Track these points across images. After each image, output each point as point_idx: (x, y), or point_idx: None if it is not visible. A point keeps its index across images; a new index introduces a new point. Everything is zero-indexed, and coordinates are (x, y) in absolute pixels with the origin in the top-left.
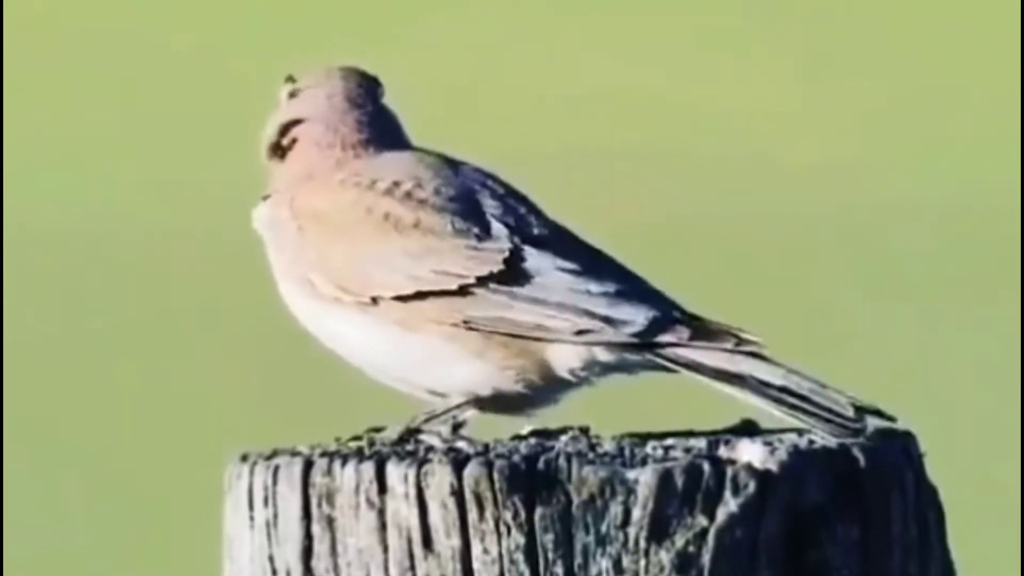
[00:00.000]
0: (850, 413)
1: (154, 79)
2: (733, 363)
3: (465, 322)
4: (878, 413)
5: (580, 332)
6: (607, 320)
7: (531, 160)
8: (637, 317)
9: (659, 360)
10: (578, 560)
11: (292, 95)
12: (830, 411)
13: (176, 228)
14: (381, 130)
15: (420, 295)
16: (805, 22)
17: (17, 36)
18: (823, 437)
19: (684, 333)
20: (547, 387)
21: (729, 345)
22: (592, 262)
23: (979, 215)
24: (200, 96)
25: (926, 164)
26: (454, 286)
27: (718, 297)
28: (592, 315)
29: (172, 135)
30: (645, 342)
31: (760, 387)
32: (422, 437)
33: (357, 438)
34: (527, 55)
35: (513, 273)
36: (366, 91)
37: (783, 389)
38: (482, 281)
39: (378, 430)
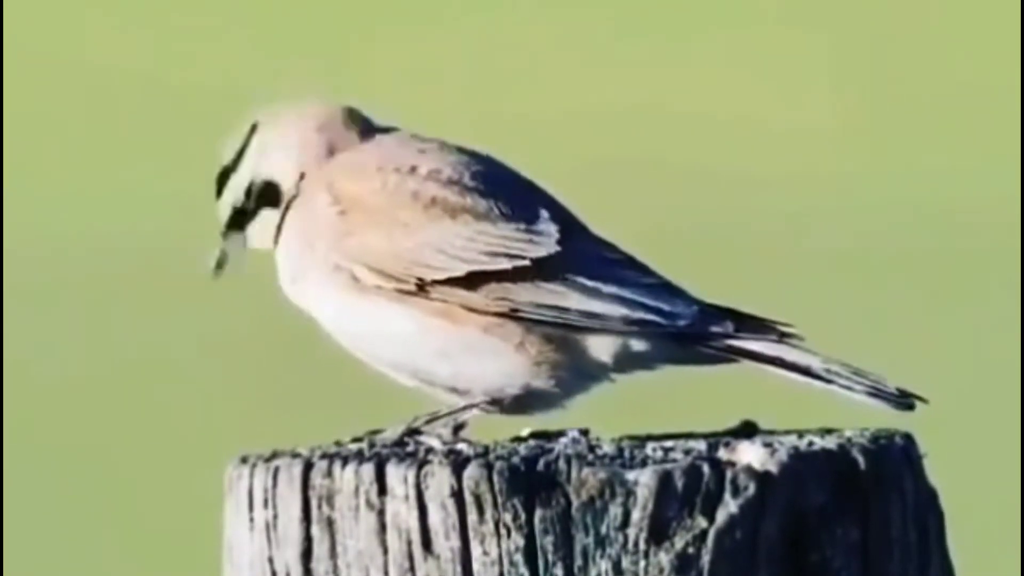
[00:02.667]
0: (894, 391)
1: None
2: (779, 351)
3: (513, 310)
4: (915, 397)
5: (634, 322)
6: (659, 312)
7: (555, 171)
8: (686, 309)
9: (709, 351)
10: (578, 562)
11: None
12: (878, 388)
13: (172, 230)
14: (387, 128)
15: (471, 277)
16: (827, 37)
17: (16, 56)
18: (877, 406)
19: (730, 326)
20: (577, 383)
21: (773, 336)
22: (628, 254)
23: (980, 215)
24: (195, 106)
25: (925, 167)
26: (508, 267)
27: (728, 299)
28: (646, 307)
29: (160, 148)
30: (697, 333)
31: (807, 370)
32: (422, 438)
33: (358, 439)
34: (552, 68)
35: (566, 258)
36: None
37: (829, 371)
38: (536, 265)
39: (378, 432)
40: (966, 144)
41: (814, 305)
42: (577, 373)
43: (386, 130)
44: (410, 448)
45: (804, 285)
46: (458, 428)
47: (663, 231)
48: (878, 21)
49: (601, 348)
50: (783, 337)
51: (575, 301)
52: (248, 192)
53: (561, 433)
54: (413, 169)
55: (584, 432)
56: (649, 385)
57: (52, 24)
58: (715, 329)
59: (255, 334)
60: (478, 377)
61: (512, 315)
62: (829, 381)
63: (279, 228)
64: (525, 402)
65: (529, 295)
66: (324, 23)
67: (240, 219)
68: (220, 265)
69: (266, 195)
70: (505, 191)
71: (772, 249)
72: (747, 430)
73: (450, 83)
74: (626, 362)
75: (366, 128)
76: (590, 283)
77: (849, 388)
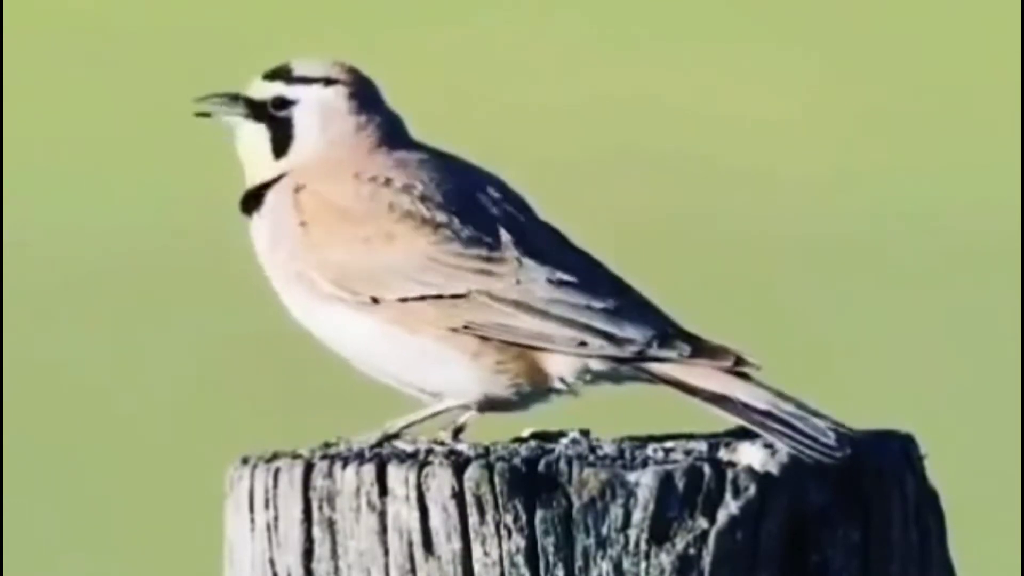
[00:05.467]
0: (831, 441)
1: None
2: (721, 384)
3: (465, 327)
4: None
5: (581, 344)
6: (609, 337)
7: (540, 164)
8: (638, 335)
9: (651, 378)
10: (579, 563)
11: (294, 80)
12: (812, 438)
13: (174, 231)
14: (392, 129)
15: (423, 298)
16: (816, 32)
17: (19, 40)
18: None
19: (685, 350)
20: (537, 393)
21: (726, 364)
22: (589, 273)
23: (980, 218)
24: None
25: (925, 170)
26: (462, 291)
27: (724, 302)
28: (594, 331)
29: (163, 142)
30: (643, 357)
31: (745, 410)
32: (397, 443)
33: (328, 444)
34: (538, 61)
35: (518, 283)
36: (377, 90)
37: (767, 414)
38: (490, 289)
39: (336, 444)
40: (964, 143)
41: (811, 305)
42: (535, 384)
43: (402, 142)
44: (410, 449)
45: (800, 283)
46: (459, 430)
47: (657, 219)
48: (872, 20)
49: (556, 364)
50: (739, 363)
51: (525, 322)
52: (270, 103)
53: (562, 434)
54: (387, 182)
55: (585, 433)
56: (648, 385)
57: (52, 23)
58: (663, 354)
59: (256, 334)
60: (443, 382)
61: (464, 330)
62: (762, 426)
63: (258, 209)
64: (497, 404)
65: (481, 315)
66: (323, 23)
67: (257, 111)
68: (205, 112)
69: (277, 127)
70: (471, 212)
71: (767, 243)
72: (748, 431)
73: (448, 80)
74: (582, 379)
75: (383, 138)
76: (540, 306)
77: (786, 438)
